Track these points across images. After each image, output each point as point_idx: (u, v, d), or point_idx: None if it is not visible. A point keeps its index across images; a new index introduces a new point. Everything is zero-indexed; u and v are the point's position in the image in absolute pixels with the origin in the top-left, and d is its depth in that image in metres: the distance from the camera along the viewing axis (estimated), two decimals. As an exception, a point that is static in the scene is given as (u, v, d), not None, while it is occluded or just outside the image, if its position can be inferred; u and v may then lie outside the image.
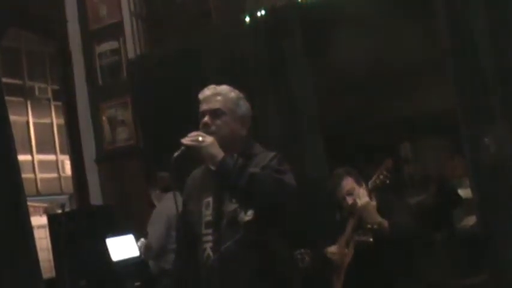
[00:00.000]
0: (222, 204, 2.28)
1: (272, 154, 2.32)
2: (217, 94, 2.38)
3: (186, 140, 2.21)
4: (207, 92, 2.40)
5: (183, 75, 5.31)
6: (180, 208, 2.53)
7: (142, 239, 5.04)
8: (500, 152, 3.66)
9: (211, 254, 2.28)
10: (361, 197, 3.22)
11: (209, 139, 2.20)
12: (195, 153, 2.22)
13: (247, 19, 5.01)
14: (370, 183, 3.26)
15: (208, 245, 2.29)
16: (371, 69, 5.00)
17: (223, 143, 2.26)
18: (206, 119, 2.33)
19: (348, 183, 3.47)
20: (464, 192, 4.58)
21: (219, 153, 2.18)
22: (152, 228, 4.85)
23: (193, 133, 2.23)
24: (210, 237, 2.30)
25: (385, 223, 3.14)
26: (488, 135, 3.71)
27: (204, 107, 2.38)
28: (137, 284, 5.11)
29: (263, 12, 4.95)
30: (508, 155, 3.64)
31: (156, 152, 5.50)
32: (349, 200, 3.42)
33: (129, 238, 5.23)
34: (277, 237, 2.29)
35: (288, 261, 2.34)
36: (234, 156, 2.24)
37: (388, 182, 3.23)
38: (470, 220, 4.45)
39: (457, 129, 3.91)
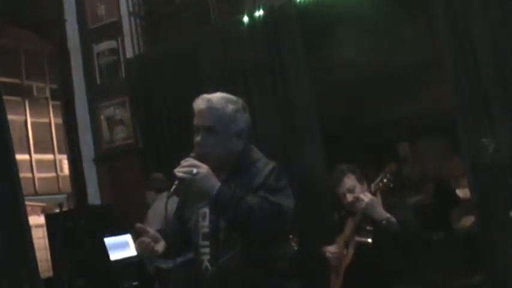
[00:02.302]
0: (219, 217, 2.19)
1: (269, 167, 2.19)
2: (211, 108, 2.20)
3: (179, 172, 2.08)
4: (201, 105, 2.22)
5: (182, 74, 5.31)
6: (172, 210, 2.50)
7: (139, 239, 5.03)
8: (498, 152, 3.67)
9: (209, 266, 2.23)
10: (366, 195, 3.14)
11: (203, 170, 2.07)
12: (189, 186, 2.11)
13: (246, 19, 5.01)
14: (373, 185, 3.20)
15: (206, 257, 2.24)
16: (370, 69, 5.00)
17: (218, 161, 2.18)
18: (199, 138, 2.19)
19: (350, 180, 3.40)
20: (462, 193, 4.58)
21: (214, 186, 2.07)
22: (147, 228, 4.84)
23: (187, 161, 2.11)
24: (207, 250, 2.24)
25: (393, 219, 3.08)
26: (487, 136, 3.71)
27: (197, 121, 2.22)
28: (135, 283, 5.11)
29: (261, 12, 4.94)
30: (507, 155, 3.65)
31: (154, 151, 5.49)
32: (350, 198, 3.37)
33: (127, 238, 5.23)
34: (275, 246, 2.23)
35: (287, 274, 2.29)
36: (232, 187, 2.11)
37: (391, 185, 3.19)
38: (468, 220, 4.45)
39: (455, 129, 3.91)
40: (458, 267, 4.31)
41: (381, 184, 3.18)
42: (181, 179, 2.09)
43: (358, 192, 3.31)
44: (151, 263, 4.96)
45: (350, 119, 5.26)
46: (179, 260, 4.95)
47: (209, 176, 2.08)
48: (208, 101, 2.22)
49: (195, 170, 2.07)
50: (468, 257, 4.30)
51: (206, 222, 2.25)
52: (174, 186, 2.10)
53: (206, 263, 2.25)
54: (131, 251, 5.15)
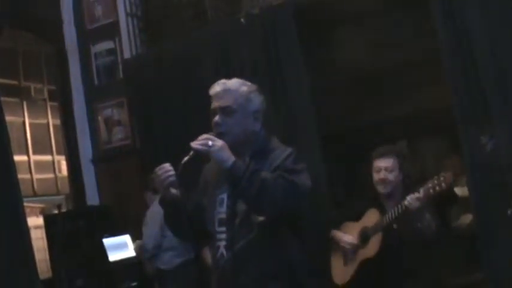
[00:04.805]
0: (236, 203, 2.22)
1: (287, 152, 2.27)
2: (227, 90, 2.31)
3: (195, 144, 2.16)
4: (217, 87, 2.33)
5: (179, 75, 5.30)
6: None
7: (138, 241, 5.04)
8: (497, 151, 3.67)
9: (224, 253, 2.24)
10: (413, 201, 3.00)
11: (219, 143, 2.15)
12: (204, 158, 2.20)
13: (243, 19, 5.01)
14: (422, 190, 3.04)
15: (222, 244, 2.25)
16: (369, 69, 5.01)
17: (236, 142, 2.23)
18: (217, 118, 2.27)
19: (392, 162, 3.31)
20: (461, 191, 4.58)
21: (229, 158, 2.12)
22: (146, 229, 4.85)
23: (203, 136, 2.18)
24: (223, 236, 2.25)
25: (434, 224, 3.04)
26: (485, 135, 3.72)
27: (214, 104, 2.30)
28: (134, 284, 5.12)
29: (259, 11, 4.94)
30: (505, 154, 3.65)
31: (152, 152, 5.48)
32: (382, 175, 3.28)
33: (126, 238, 5.23)
34: (291, 237, 2.24)
35: (302, 261, 2.28)
36: (246, 160, 2.18)
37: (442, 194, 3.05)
38: (467, 218, 4.45)
39: (454, 128, 3.91)
40: (457, 266, 4.32)
41: (431, 191, 3.02)
42: (196, 150, 2.16)
43: (393, 177, 3.27)
44: (151, 264, 4.96)
45: (349, 118, 5.27)
46: (179, 260, 4.97)
47: (224, 148, 2.15)
48: (224, 84, 2.34)
49: (210, 143, 2.14)
50: (467, 255, 4.30)
51: (223, 208, 2.28)
52: (188, 156, 2.18)
53: (222, 250, 2.25)
54: (130, 252, 5.16)
